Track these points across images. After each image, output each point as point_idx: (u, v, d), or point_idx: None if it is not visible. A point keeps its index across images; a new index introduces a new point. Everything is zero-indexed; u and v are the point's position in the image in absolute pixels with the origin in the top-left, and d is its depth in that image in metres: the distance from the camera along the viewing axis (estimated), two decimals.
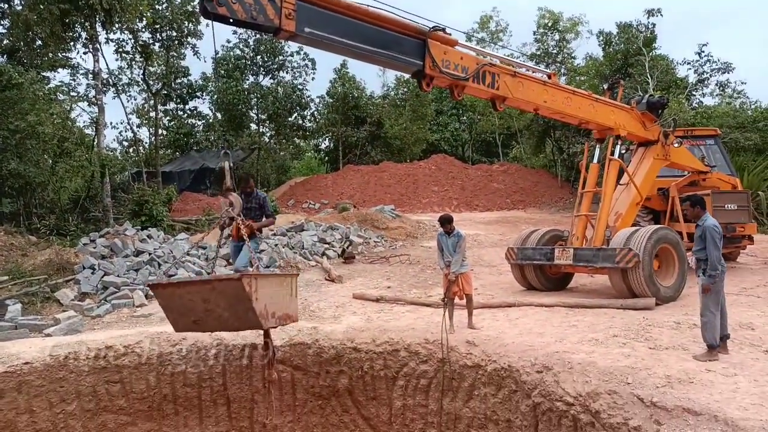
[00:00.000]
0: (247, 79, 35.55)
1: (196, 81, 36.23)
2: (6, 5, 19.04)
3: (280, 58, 35.45)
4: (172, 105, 36.91)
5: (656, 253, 8.44)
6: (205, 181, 33.26)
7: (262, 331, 6.18)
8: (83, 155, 20.05)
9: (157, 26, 24.53)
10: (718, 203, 10.63)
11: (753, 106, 28.16)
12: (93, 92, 22.62)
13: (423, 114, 37.27)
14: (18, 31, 17.58)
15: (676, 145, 10.54)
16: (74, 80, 24.45)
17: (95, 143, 21.03)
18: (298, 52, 35.74)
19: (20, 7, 17.93)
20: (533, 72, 8.88)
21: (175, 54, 28.56)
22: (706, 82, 29.53)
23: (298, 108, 36.85)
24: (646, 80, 25.75)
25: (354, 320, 8.33)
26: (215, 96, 35.45)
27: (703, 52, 28.81)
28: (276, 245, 13.77)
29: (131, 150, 35.58)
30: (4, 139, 15.36)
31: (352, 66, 38.80)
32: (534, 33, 36.06)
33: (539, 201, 30.73)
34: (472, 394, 6.46)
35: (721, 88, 29.84)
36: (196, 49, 27.15)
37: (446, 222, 7.35)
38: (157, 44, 26.15)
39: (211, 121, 38.67)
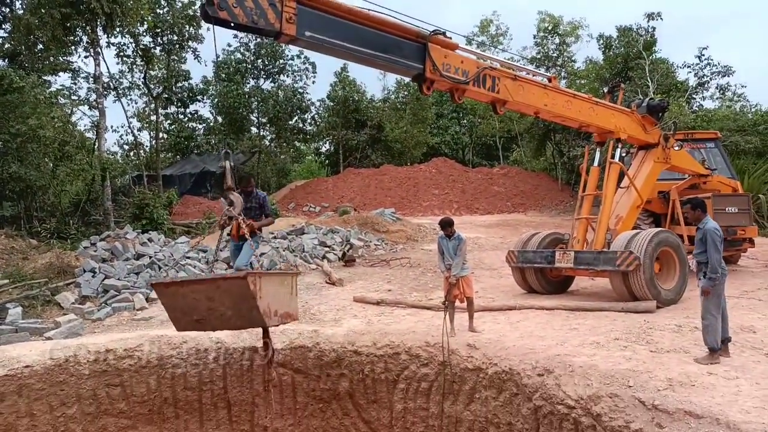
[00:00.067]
0: (248, 83, 35.59)
1: (196, 85, 36.29)
2: (7, 9, 19.13)
3: (281, 61, 35.51)
4: (172, 108, 36.93)
5: (657, 256, 8.44)
6: (206, 185, 33.29)
7: (261, 333, 6.20)
8: (84, 159, 20.09)
9: (158, 30, 24.58)
10: (718, 206, 10.63)
11: (753, 109, 28.17)
12: (94, 96, 22.70)
13: (423, 117, 37.30)
14: (19, 34, 17.63)
15: (676, 148, 10.55)
16: (75, 84, 24.53)
17: (96, 147, 21.05)
18: (298, 56, 35.83)
19: (21, 11, 18.01)
20: (533, 75, 8.90)
21: (176, 58, 28.60)
22: (706, 86, 29.56)
23: (298, 111, 36.88)
24: (646, 83, 25.78)
25: (355, 323, 8.33)
26: (216, 99, 35.47)
27: (703, 55, 28.86)
28: (277, 248, 13.77)
29: (132, 153, 35.64)
30: (5, 143, 15.39)
31: (353, 69, 38.91)
32: (534, 36, 36.15)
33: (540, 204, 30.73)
34: (473, 398, 6.45)
35: (721, 92, 29.88)
36: (197, 52, 27.25)
37: (447, 225, 7.35)
38: (158, 48, 26.20)
39: (211, 124, 38.69)
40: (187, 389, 7.21)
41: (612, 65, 28.73)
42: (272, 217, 7.49)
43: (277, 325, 5.54)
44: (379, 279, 12.22)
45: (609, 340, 6.41)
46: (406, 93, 37.86)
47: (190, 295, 5.28)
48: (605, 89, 11.03)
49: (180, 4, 24.57)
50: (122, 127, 47.46)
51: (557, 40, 35.90)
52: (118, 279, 10.99)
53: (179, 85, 34.20)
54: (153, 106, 30.92)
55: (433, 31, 6.90)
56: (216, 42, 6.12)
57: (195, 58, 27.58)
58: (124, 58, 26.63)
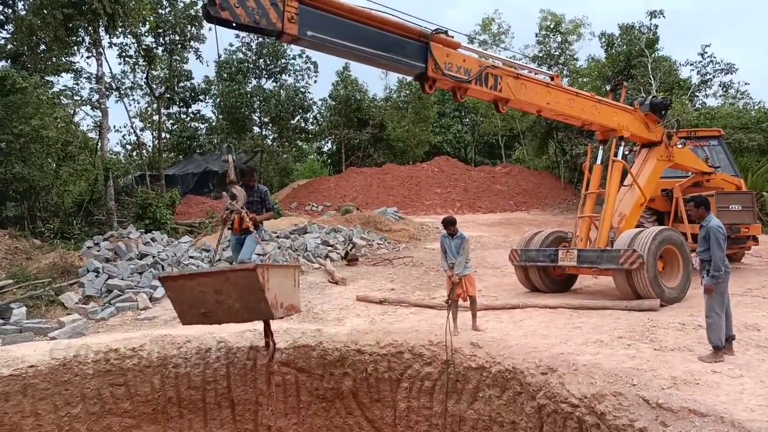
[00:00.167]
0: (250, 83, 35.62)
1: (199, 84, 36.34)
2: (10, 10, 19.16)
3: (283, 61, 35.52)
4: (175, 108, 36.97)
5: (660, 254, 8.42)
6: (209, 184, 33.29)
7: (264, 333, 6.22)
8: (87, 159, 20.09)
9: (160, 30, 24.59)
10: (722, 204, 10.60)
11: (756, 107, 28.04)
12: (96, 96, 22.73)
13: (425, 116, 37.27)
14: (22, 35, 17.65)
15: (679, 146, 10.52)
16: (78, 84, 24.54)
17: (99, 147, 21.07)
18: (300, 55, 35.83)
19: (24, 12, 18.03)
20: (536, 74, 8.88)
21: (178, 58, 28.62)
22: (709, 83, 29.42)
23: (300, 111, 36.89)
24: (648, 81, 25.70)
25: (358, 322, 8.34)
26: (218, 99, 35.49)
27: (706, 53, 28.74)
28: (280, 247, 13.79)
29: (135, 153, 35.68)
30: (9, 144, 15.41)
31: (355, 69, 38.87)
32: (536, 35, 36.11)
33: (542, 202, 30.69)
34: (477, 396, 6.45)
35: (724, 89, 29.74)
36: (199, 52, 27.22)
37: (449, 224, 7.35)
38: (160, 48, 26.21)
39: (214, 124, 38.72)
40: (190, 388, 7.22)
41: (614, 63, 28.65)
42: (273, 212, 7.47)
43: (283, 317, 5.60)
44: (382, 278, 12.23)
45: (613, 339, 6.40)
46: (408, 92, 37.83)
47: (197, 288, 5.31)
48: (608, 87, 11.01)
49: (182, 5, 24.57)
50: (125, 127, 47.75)
51: (559, 39, 35.83)
52: (122, 279, 11.03)
53: (181, 85, 34.25)
54: (155, 106, 30.98)
55: (435, 30, 6.89)
56: (218, 42, 6.15)
57: (197, 58, 27.60)
58: (127, 59, 26.66)
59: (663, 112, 10.28)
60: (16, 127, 15.10)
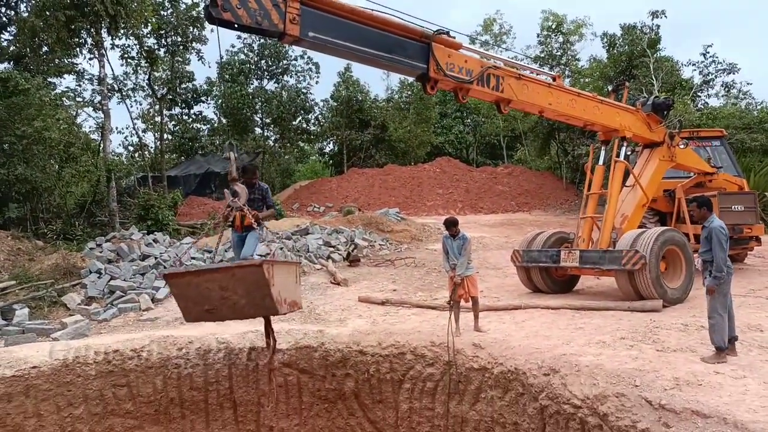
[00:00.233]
0: (252, 84, 35.67)
1: (201, 86, 36.39)
2: (12, 12, 19.19)
3: (285, 62, 35.57)
4: (177, 110, 37.04)
5: (663, 255, 8.40)
6: (210, 185, 33.31)
7: (263, 332, 6.22)
8: (89, 160, 20.13)
9: (162, 32, 24.64)
10: (725, 204, 10.58)
11: (759, 107, 28.01)
12: (99, 98, 22.79)
13: (427, 117, 37.26)
14: (24, 37, 17.69)
15: (681, 146, 10.50)
16: (80, 86, 24.66)
17: (101, 148, 21.10)
18: (302, 56, 35.88)
19: (26, 14, 18.07)
20: (537, 74, 8.88)
21: (180, 59, 28.69)
22: (711, 83, 29.38)
23: (302, 112, 36.94)
24: (650, 82, 25.66)
25: (360, 323, 8.33)
26: (220, 100, 35.56)
27: (708, 53, 28.71)
28: (282, 249, 13.79)
29: (137, 155, 35.72)
30: (11, 145, 15.45)
31: (356, 69, 38.92)
32: (538, 35, 36.07)
33: (544, 203, 30.66)
34: (479, 397, 6.44)
35: (726, 89, 29.70)
36: (200, 54, 27.27)
37: (451, 225, 7.35)
38: (162, 49, 26.25)
39: (216, 125, 38.80)
40: (193, 389, 7.23)
41: (616, 63, 28.62)
42: (274, 209, 7.47)
43: (286, 313, 5.62)
44: (384, 279, 12.23)
45: (615, 340, 6.39)
46: (409, 92, 37.83)
47: (203, 284, 5.33)
48: (610, 88, 10.99)
49: (184, 6, 24.62)
50: (127, 128, 47.74)
51: (561, 39, 35.80)
52: (124, 280, 11.04)
53: (183, 86, 34.32)
54: (157, 107, 31.04)
55: (436, 31, 6.90)
56: (220, 43, 6.14)
57: (199, 60, 27.65)
58: (129, 60, 26.76)
59: (665, 113, 10.27)
60: (19, 128, 15.15)
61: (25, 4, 19.01)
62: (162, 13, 24.01)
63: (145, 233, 14.70)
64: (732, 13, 76.53)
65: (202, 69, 51.97)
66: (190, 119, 38.86)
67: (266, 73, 35.85)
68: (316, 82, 41.75)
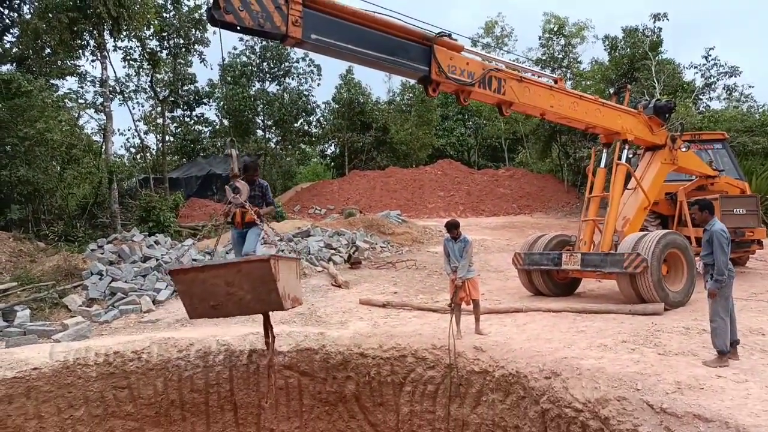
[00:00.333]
0: (254, 86, 35.72)
1: (202, 88, 36.43)
2: (15, 14, 19.25)
3: (286, 64, 35.63)
4: (179, 112, 37.09)
5: (665, 258, 8.40)
6: (212, 187, 33.34)
7: (267, 337, 6.22)
8: (91, 162, 20.16)
9: (165, 34, 24.71)
10: (726, 207, 10.56)
11: (761, 110, 27.98)
12: (101, 99, 22.80)
13: (429, 119, 37.27)
14: (27, 39, 17.73)
15: (683, 149, 10.50)
16: (82, 88, 24.65)
17: (103, 150, 21.15)
18: (303, 59, 35.93)
19: (29, 16, 18.12)
20: (539, 77, 8.88)
21: (182, 61, 28.73)
22: (713, 86, 29.35)
23: (303, 114, 36.98)
24: (652, 84, 25.66)
25: (361, 326, 8.33)
26: (222, 102, 35.62)
27: (710, 55, 28.69)
28: (283, 251, 13.79)
29: (138, 156, 35.75)
30: (14, 147, 15.49)
31: (358, 72, 39.01)
32: (539, 38, 36.07)
33: (546, 206, 30.64)
34: (480, 400, 6.43)
35: (728, 92, 29.68)
36: (203, 56, 27.37)
37: (453, 227, 7.35)
38: (165, 52, 26.33)
39: (217, 127, 38.85)
40: (193, 391, 7.23)
41: (618, 66, 28.63)
42: (273, 206, 7.46)
43: (289, 309, 5.63)
44: (385, 281, 12.22)
45: (616, 343, 6.38)
46: (411, 95, 37.87)
47: (209, 280, 5.32)
48: (611, 90, 10.98)
49: (186, 8, 24.70)
50: (129, 130, 47.75)
51: (563, 42, 35.82)
52: (125, 281, 11.04)
53: (185, 88, 34.37)
54: (159, 109, 31.07)
55: (438, 33, 6.90)
56: (222, 45, 6.15)
57: (201, 62, 27.73)
58: (131, 62, 26.80)
59: (667, 116, 10.26)
60: (21, 130, 15.19)
61: (28, 6, 19.09)
62: (164, 15, 24.10)
63: (147, 235, 14.71)
64: (733, 13, 76.49)
65: (204, 71, 52.26)
66: (192, 121, 38.91)
67: (268, 75, 35.91)
68: (318, 85, 42.03)
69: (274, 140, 38.93)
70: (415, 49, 6.71)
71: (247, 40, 34.88)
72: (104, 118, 20.72)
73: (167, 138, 33.92)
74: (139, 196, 20.59)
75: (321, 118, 39.19)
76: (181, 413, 7.25)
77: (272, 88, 36.25)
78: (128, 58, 26.10)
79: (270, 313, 6.00)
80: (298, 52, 34.51)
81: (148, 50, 24.86)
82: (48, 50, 18.88)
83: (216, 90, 36.66)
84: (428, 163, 37.44)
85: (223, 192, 6.57)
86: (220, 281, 5.30)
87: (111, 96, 23.06)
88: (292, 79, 36.40)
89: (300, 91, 36.19)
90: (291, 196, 33.55)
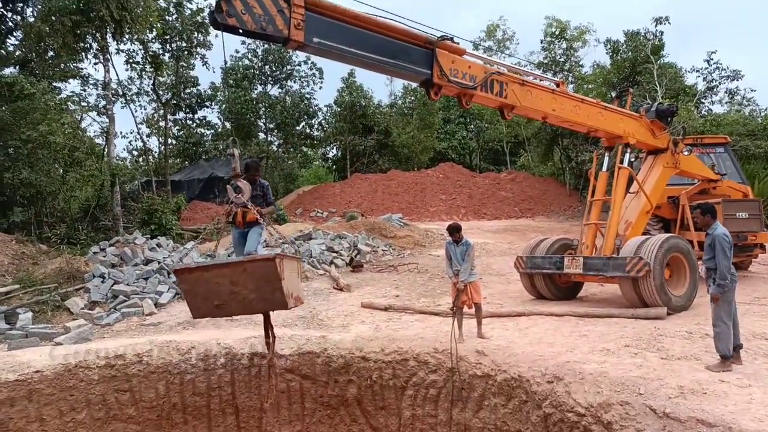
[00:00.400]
0: (256, 89, 35.83)
1: (205, 91, 36.51)
2: (19, 17, 19.31)
3: (288, 67, 35.74)
4: (181, 114, 37.16)
5: (667, 262, 8.37)
6: (214, 190, 33.42)
7: (269, 338, 6.22)
8: (93, 165, 20.20)
9: (167, 37, 24.78)
10: (729, 211, 10.54)
11: (763, 114, 27.98)
12: (103, 102, 22.87)
13: (430, 122, 37.34)
14: (30, 42, 17.81)
15: (685, 153, 10.50)
16: (85, 90, 24.74)
17: (105, 153, 21.21)
18: (305, 62, 36.05)
19: (33, 19, 18.18)
20: (541, 81, 8.89)
21: (184, 64, 28.81)
22: (715, 90, 29.36)
23: (305, 117, 37.10)
24: (654, 88, 25.67)
25: (362, 329, 8.32)
26: (224, 105, 35.74)
27: (712, 59, 28.70)
28: (284, 251, 13.79)
29: (141, 159, 35.84)
30: (16, 149, 15.54)
31: (360, 75, 39.07)
32: (541, 41, 36.14)
33: (548, 209, 30.62)
34: (482, 405, 6.41)
35: (730, 96, 29.68)
36: (205, 59, 27.44)
37: (455, 231, 7.34)
38: (167, 55, 26.40)
39: (219, 130, 38.94)
40: (195, 395, 7.22)
41: (620, 70, 28.65)
42: (274, 206, 7.46)
43: (292, 308, 5.63)
44: (387, 285, 12.21)
45: (619, 347, 6.36)
46: (413, 98, 37.94)
47: (214, 279, 5.32)
48: (613, 94, 11.00)
49: (189, 12, 24.78)
50: (131, 133, 47.99)
51: (564, 45, 35.86)
52: (127, 284, 11.05)
53: (188, 91, 34.43)
54: (162, 112, 31.15)
55: (440, 37, 6.91)
56: (224, 48, 6.16)
57: (203, 65, 27.82)
58: (134, 65, 26.88)
59: (669, 119, 10.25)
60: (24, 132, 15.23)
61: (31, 9, 19.15)
62: (167, 18, 24.16)
63: (149, 238, 14.73)
64: (736, 14, 76.46)
65: (207, 74, 52.14)
66: (194, 124, 39.02)
67: (270, 78, 36.03)
68: (320, 88, 42.04)
69: (276, 143, 39.03)
70: (417, 52, 6.72)
71: (249, 44, 35.05)
72: (107, 120, 20.81)
73: (169, 141, 34.00)
74: (142, 198, 20.63)
75: (323, 121, 39.33)
76: (182, 416, 7.24)
77: (274, 91, 36.41)
78: (131, 61, 26.17)
79: (271, 313, 6.00)
80: (300, 55, 34.68)
81: (150, 53, 24.93)
82: (51, 53, 18.94)
83: (218, 93, 36.77)
84: (430, 166, 37.48)
85: (224, 194, 6.56)
86: (224, 280, 5.29)
87: (113, 99, 23.10)
88: (294, 82, 36.57)
89: (302, 94, 36.31)
90: (293, 199, 33.60)
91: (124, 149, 38.07)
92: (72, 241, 15.97)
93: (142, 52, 25.22)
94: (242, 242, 6.67)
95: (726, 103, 29.91)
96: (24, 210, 16.92)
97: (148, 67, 26.85)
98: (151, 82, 28.74)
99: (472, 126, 43.66)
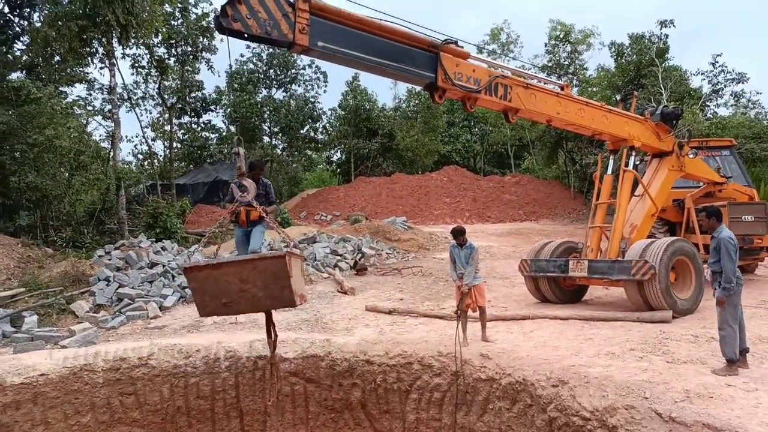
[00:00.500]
0: (260, 93, 35.98)
1: (210, 95, 36.73)
2: (26, 22, 19.46)
3: (293, 71, 35.89)
4: (186, 118, 37.37)
5: (672, 265, 8.34)
6: (219, 194, 33.51)
7: (272, 339, 6.23)
8: (99, 168, 20.29)
9: (173, 41, 24.93)
10: (734, 214, 10.50)
11: None
12: (109, 106, 23.01)
13: (435, 126, 37.37)
14: (37, 47, 17.91)
15: (691, 156, 10.45)
16: (91, 95, 24.94)
17: (111, 156, 21.28)
18: (310, 66, 36.19)
19: (39, 24, 18.31)
20: (545, 84, 8.88)
21: (189, 68, 28.99)
22: (720, 93, 29.32)
23: (310, 120, 37.20)
24: (659, 91, 25.62)
25: (367, 332, 8.31)
26: (229, 109, 35.87)
27: (717, 62, 28.66)
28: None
29: (146, 163, 36.02)
30: (23, 153, 15.63)
31: (364, 78, 39.16)
32: (545, 45, 36.15)
33: (552, 212, 30.57)
34: (487, 408, 6.39)
35: (735, 99, 29.62)
36: (210, 63, 27.61)
37: (459, 234, 7.33)
38: (172, 59, 26.56)
39: (224, 134, 39.09)
40: (199, 398, 7.23)
41: (624, 73, 28.61)
42: (276, 205, 7.46)
43: (298, 306, 5.64)
44: (391, 288, 12.20)
45: (624, 351, 6.33)
46: (417, 102, 37.97)
47: (223, 277, 5.31)
48: (618, 97, 10.96)
49: (194, 16, 24.93)
50: (137, 136, 48.31)
51: (569, 48, 35.84)
52: (132, 288, 11.08)
53: (193, 95, 34.64)
54: (167, 116, 31.32)
55: (444, 40, 6.91)
56: (230, 53, 6.19)
57: (208, 69, 27.98)
58: (139, 69, 27.07)
59: (674, 122, 10.22)
60: (30, 136, 15.33)
61: (38, 15, 19.29)
62: (172, 23, 24.31)
63: (154, 241, 14.77)
64: (741, 15, 76.15)
65: (212, 78, 52.63)
66: (199, 128, 39.20)
67: (275, 82, 36.16)
68: (324, 91, 42.26)
69: (281, 147, 39.16)
70: (421, 56, 6.73)
71: (254, 48, 35.24)
72: (112, 124, 20.88)
73: (174, 144, 34.15)
74: (147, 202, 20.71)
75: (327, 125, 39.43)
76: (187, 420, 7.25)
77: (279, 94, 36.55)
78: (136, 65, 26.37)
79: (273, 312, 6.00)
80: (304, 59, 34.86)
81: (156, 58, 25.09)
82: (57, 58, 19.05)
83: (223, 97, 36.94)
84: (434, 169, 37.48)
85: (229, 193, 6.58)
86: (233, 278, 5.28)
87: (119, 103, 23.25)
88: (299, 85, 36.70)
89: (306, 98, 36.42)
90: (297, 202, 33.66)
91: (129, 153, 38.25)
92: (77, 245, 16.03)
93: (148, 56, 25.40)
94: (245, 241, 6.67)
95: (731, 105, 29.88)
96: (30, 213, 17.00)
97: (153, 71, 27.05)
98: (157, 86, 28.92)
99: (476, 129, 43.66)
